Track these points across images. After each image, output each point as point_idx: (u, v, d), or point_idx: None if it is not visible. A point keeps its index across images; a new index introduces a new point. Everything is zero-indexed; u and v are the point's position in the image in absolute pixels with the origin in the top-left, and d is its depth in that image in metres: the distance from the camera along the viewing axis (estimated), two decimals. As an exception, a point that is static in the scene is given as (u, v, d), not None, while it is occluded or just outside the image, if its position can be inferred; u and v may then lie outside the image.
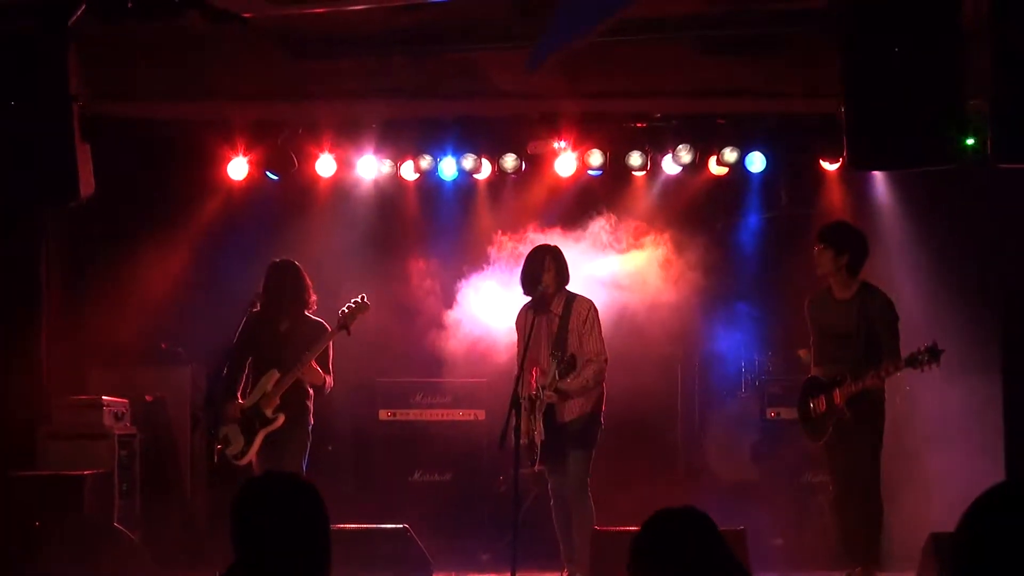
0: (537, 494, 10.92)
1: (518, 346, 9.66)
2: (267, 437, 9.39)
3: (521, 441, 9.32)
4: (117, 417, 11.08)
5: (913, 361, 8.65)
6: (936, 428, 11.18)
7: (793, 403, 9.71)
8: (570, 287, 9.65)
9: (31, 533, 9.95)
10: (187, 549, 11.16)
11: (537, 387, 9.39)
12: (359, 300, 9.54)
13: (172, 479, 11.80)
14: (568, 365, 9.07)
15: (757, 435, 11.87)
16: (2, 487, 10.46)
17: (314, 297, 9.73)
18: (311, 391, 9.69)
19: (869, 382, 8.83)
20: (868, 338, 8.98)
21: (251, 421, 9.39)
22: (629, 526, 8.53)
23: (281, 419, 9.37)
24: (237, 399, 9.49)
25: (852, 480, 9.07)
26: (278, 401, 9.40)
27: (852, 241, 9.28)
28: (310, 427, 9.57)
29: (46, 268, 11.87)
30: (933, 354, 8.58)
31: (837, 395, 8.99)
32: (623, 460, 11.44)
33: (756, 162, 11.84)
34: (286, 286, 9.64)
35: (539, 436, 9.29)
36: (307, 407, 9.55)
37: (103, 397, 11.02)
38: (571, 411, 9.37)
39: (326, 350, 9.53)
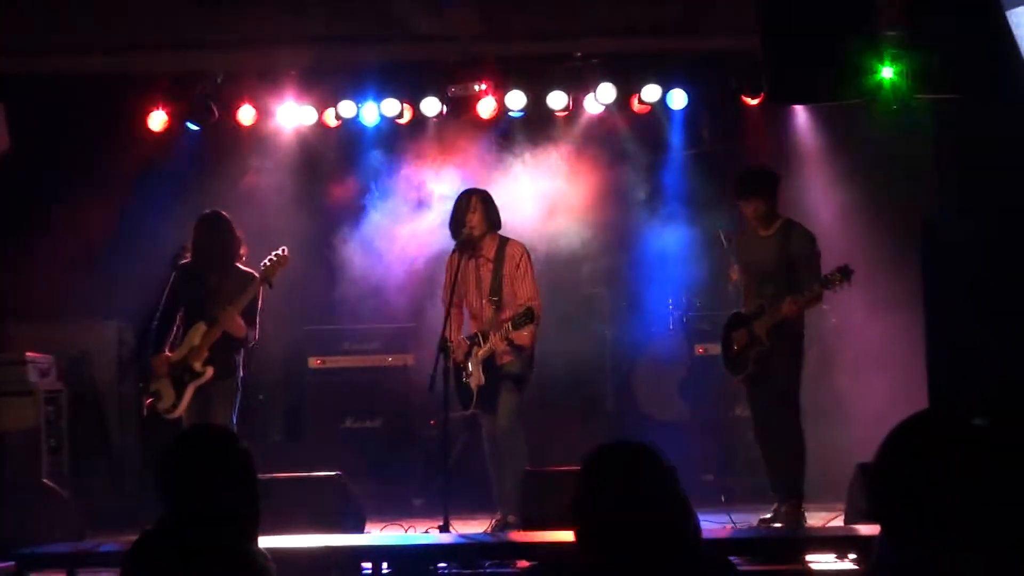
0: (468, 438, 10.93)
1: (444, 289, 9.64)
2: (197, 390, 9.33)
3: (452, 383, 9.35)
4: (42, 373, 10.97)
5: (826, 282, 8.71)
6: (861, 360, 11.29)
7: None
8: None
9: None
10: (117, 504, 11.10)
11: (477, 334, 9.40)
12: (279, 253, 9.44)
13: (100, 434, 11.74)
14: (525, 317, 9.02)
15: (685, 372, 11.94)
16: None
17: (244, 249, 9.62)
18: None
19: (786, 309, 8.85)
20: (789, 273, 9.00)
21: (180, 375, 9.32)
22: (560, 466, 8.65)
23: (210, 372, 9.30)
24: (166, 353, 9.42)
25: (773, 412, 9.12)
26: (206, 354, 9.33)
27: (771, 186, 9.21)
28: (240, 379, 9.50)
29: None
30: (844, 274, 8.63)
31: (758, 327, 9.03)
32: (552, 401, 11.51)
33: (677, 99, 11.86)
34: (215, 239, 9.50)
35: (476, 382, 9.31)
36: (236, 360, 9.48)
37: (27, 353, 10.90)
38: (508, 353, 9.37)
39: (254, 302, 9.44)
